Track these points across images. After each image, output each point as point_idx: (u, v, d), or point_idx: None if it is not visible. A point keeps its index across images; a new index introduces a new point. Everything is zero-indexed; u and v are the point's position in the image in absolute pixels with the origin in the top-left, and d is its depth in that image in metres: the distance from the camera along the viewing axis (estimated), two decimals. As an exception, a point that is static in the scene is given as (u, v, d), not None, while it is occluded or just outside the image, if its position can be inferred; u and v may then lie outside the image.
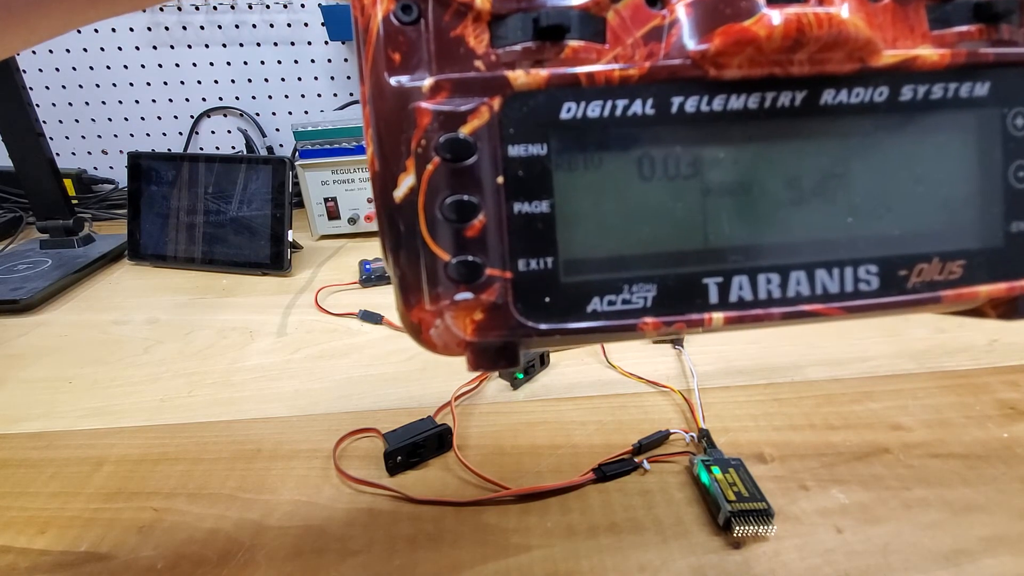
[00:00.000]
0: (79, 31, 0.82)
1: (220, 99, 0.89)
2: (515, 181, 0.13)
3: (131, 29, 0.84)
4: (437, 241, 0.13)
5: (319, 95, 0.88)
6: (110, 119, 0.90)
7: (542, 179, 0.13)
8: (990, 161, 0.14)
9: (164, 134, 0.91)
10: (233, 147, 0.92)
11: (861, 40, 0.12)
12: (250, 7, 0.82)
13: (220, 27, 0.83)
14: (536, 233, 0.13)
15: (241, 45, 0.85)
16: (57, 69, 0.86)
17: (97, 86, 0.87)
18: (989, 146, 0.14)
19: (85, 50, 0.85)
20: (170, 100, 0.89)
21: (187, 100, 0.89)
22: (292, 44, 0.85)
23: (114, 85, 0.88)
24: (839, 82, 0.13)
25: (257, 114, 0.90)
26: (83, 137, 0.91)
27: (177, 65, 0.86)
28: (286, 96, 0.88)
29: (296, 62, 0.86)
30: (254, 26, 0.83)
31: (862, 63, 0.13)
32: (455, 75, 0.12)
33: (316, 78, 0.87)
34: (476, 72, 0.12)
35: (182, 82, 0.88)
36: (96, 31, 0.84)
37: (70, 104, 0.88)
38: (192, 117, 0.90)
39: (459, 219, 0.13)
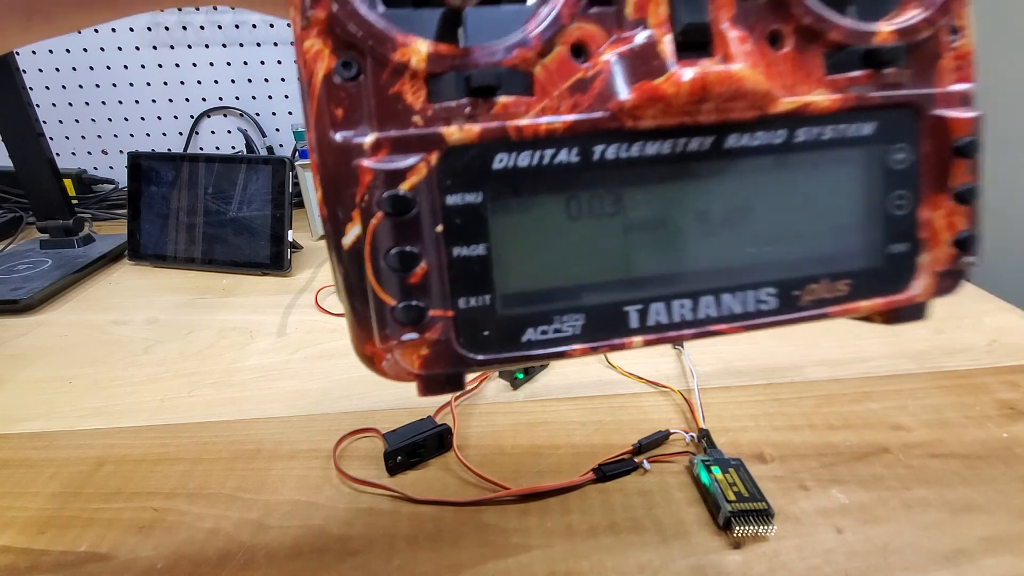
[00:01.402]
0: (79, 31, 0.82)
1: (220, 99, 0.89)
2: (453, 228, 0.14)
3: (131, 29, 0.84)
4: (383, 288, 0.14)
5: (319, 95, 0.89)
6: (110, 119, 0.90)
7: (478, 225, 0.14)
8: (873, 192, 0.16)
9: (164, 134, 0.91)
10: (233, 147, 0.92)
11: (759, 92, 0.14)
12: (250, 7, 0.82)
13: (220, 27, 0.83)
14: (474, 274, 0.14)
15: (241, 45, 0.85)
16: (57, 69, 0.86)
17: (97, 86, 0.87)
18: (873, 179, 0.16)
19: (85, 50, 0.85)
20: (170, 100, 0.89)
21: (187, 100, 0.89)
22: (292, 44, 0.85)
23: (114, 85, 0.88)
24: (741, 128, 0.14)
25: (257, 114, 0.90)
26: (83, 137, 0.91)
27: (177, 65, 0.86)
28: (286, 96, 0.88)
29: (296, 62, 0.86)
30: (254, 26, 0.83)
31: (761, 111, 0.14)
32: (395, 132, 0.13)
33: (316, 78, 0.87)
34: (414, 128, 0.13)
35: (182, 82, 0.88)
36: (96, 31, 0.84)
37: (70, 104, 0.88)
38: (192, 117, 0.90)
39: (403, 268, 0.14)
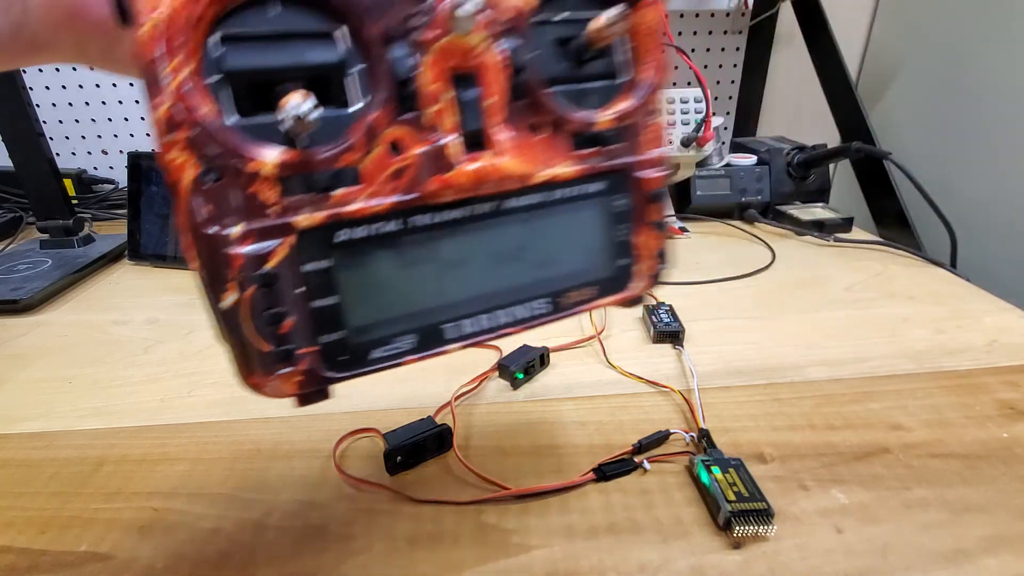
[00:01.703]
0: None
1: (220, 99, 0.89)
2: (311, 288, 0.18)
3: (131, 29, 0.84)
4: (260, 337, 0.18)
5: (319, 95, 0.89)
6: (110, 119, 0.90)
7: (330, 283, 0.18)
8: (605, 227, 0.23)
9: (164, 134, 0.91)
10: (233, 147, 0.92)
11: (521, 175, 0.20)
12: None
13: (220, 27, 0.83)
14: (330, 318, 0.19)
15: (241, 45, 0.85)
16: (57, 69, 0.86)
17: (97, 86, 0.87)
18: (604, 219, 0.22)
19: (85, 50, 0.85)
20: (170, 100, 0.88)
21: (187, 100, 0.89)
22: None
23: (114, 85, 0.88)
24: (513, 195, 0.20)
25: (257, 114, 0.90)
26: (83, 137, 0.91)
27: (177, 65, 0.86)
28: (286, 96, 0.88)
29: (296, 62, 0.86)
30: (254, 26, 0.83)
31: (524, 183, 0.20)
32: (256, 224, 0.17)
33: (316, 78, 0.87)
34: (272, 219, 0.17)
35: (182, 82, 0.87)
36: (96, 31, 0.84)
37: (70, 104, 0.88)
38: (192, 117, 0.89)
39: (274, 323, 0.18)
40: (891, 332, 0.46)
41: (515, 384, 0.40)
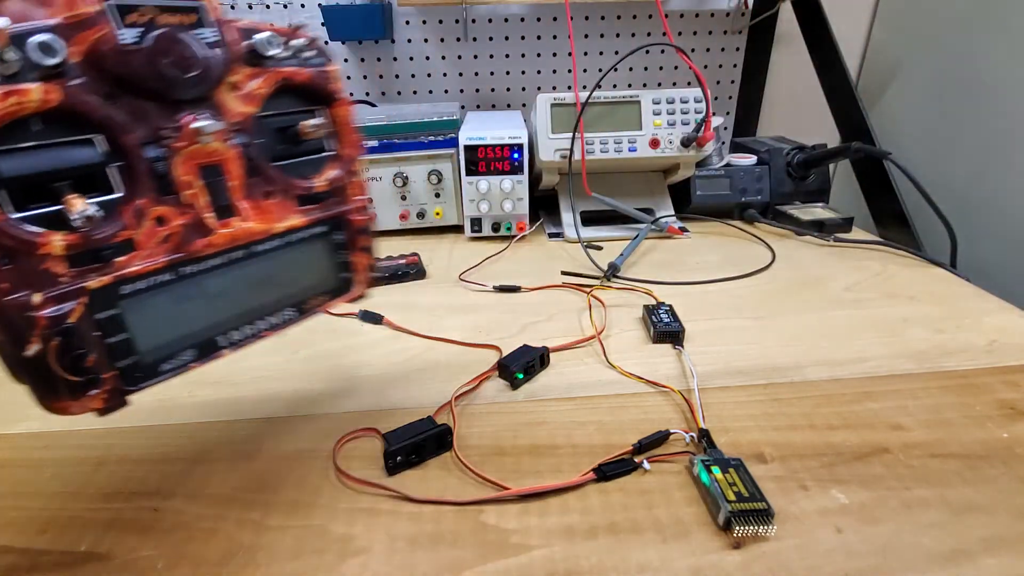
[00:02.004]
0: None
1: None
2: (106, 330, 0.23)
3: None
4: (68, 373, 0.22)
5: (319, 95, 0.89)
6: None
7: (121, 324, 0.24)
8: (332, 254, 0.32)
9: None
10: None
11: (263, 230, 0.28)
12: (250, 7, 0.82)
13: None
14: (124, 348, 0.24)
15: (241, 45, 0.85)
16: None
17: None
18: (330, 249, 0.31)
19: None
20: (170, 100, 0.88)
21: (187, 100, 0.89)
22: None
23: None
24: (260, 243, 0.28)
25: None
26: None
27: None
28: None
29: (296, 62, 0.86)
30: (254, 26, 0.83)
31: (267, 234, 0.28)
32: (53, 292, 0.21)
33: (316, 78, 0.87)
34: (66, 286, 0.22)
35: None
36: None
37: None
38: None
39: (78, 361, 0.22)
40: (891, 332, 0.46)
41: (515, 384, 0.40)
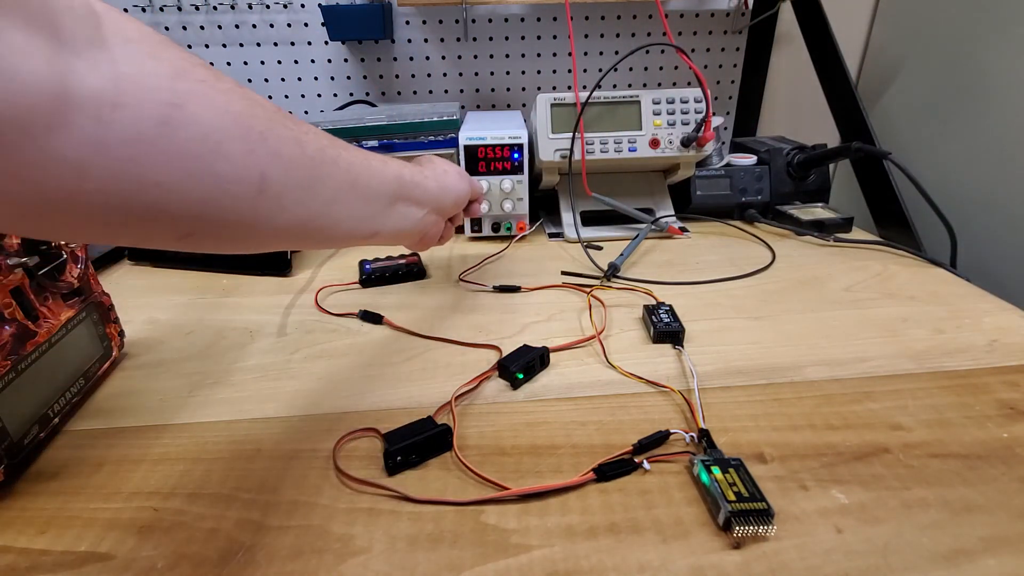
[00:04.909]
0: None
1: (220, 99, 0.89)
2: None
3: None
4: None
5: (319, 95, 0.88)
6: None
7: None
8: (95, 328, 0.40)
9: (164, 134, 0.91)
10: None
11: (48, 328, 0.35)
12: (250, 7, 0.82)
13: (220, 27, 0.83)
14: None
15: (241, 45, 0.85)
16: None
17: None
18: (92, 324, 0.40)
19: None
20: (170, 100, 0.88)
21: (187, 100, 0.89)
22: (292, 44, 0.85)
23: (114, 85, 0.87)
24: (53, 334, 0.36)
25: (257, 114, 0.89)
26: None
27: (177, 65, 0.86)
28: (286, 96, 0.88)
29: (296, 62, 0.86)
30: (254, 26, 0.83)
31: (54, 327, 0.35)
32: None
33: (316, 78, 0.87)
34: None
35: (182, 82, 0.87)
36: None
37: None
38: (192, 117, 0.89)
39: None
40: (891, 332, 0.46)
41: (515, 384, 0.40)
